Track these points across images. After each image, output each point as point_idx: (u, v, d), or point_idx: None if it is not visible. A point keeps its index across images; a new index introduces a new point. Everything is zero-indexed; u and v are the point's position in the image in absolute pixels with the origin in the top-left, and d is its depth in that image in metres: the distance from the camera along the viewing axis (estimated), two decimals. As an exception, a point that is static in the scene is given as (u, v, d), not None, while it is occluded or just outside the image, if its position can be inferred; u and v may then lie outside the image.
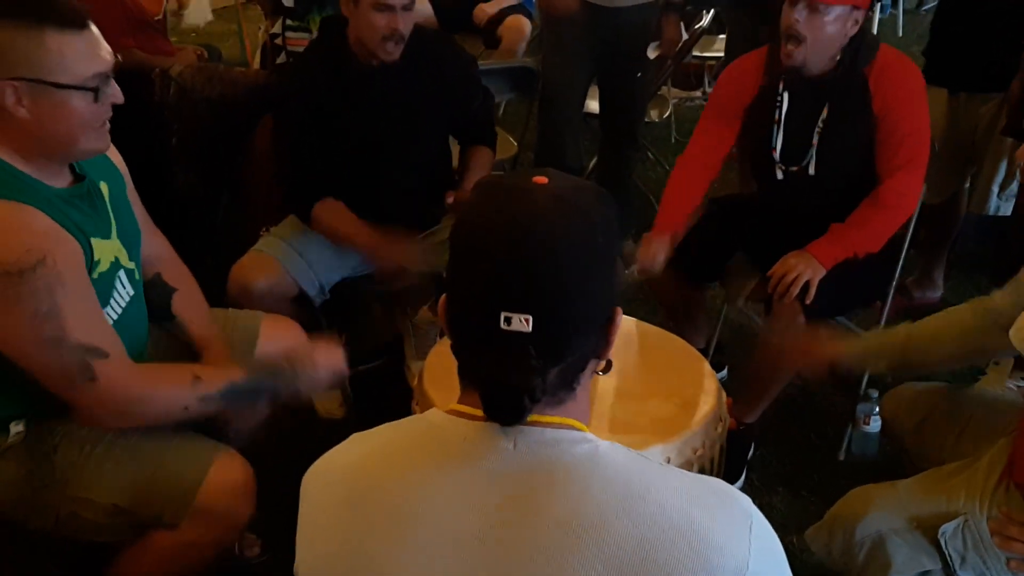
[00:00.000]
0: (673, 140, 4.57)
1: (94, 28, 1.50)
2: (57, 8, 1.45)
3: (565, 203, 0.90)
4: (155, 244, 1.89)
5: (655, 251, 2.41)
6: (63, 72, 1.45)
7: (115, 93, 1.53)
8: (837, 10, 2.18)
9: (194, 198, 3.10)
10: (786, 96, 2.36)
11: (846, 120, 2.32)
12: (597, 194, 0.95)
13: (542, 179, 0.93)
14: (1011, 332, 1.52)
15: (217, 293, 2.25)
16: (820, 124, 2.34)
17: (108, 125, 1.57)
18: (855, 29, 2.24)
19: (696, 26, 4.12)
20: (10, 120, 1.46)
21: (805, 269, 2.24)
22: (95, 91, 1.49)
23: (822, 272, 2.25)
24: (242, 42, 5.03)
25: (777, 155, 2.42)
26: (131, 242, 1.71)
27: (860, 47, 2.27)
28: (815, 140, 2.35)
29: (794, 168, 2.41)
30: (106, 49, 1.51)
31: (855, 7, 2.20)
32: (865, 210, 2.31)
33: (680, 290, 2.61)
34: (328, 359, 1.76)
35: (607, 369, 0.99)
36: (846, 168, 2.37)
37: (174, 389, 1.60)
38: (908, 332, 1.88)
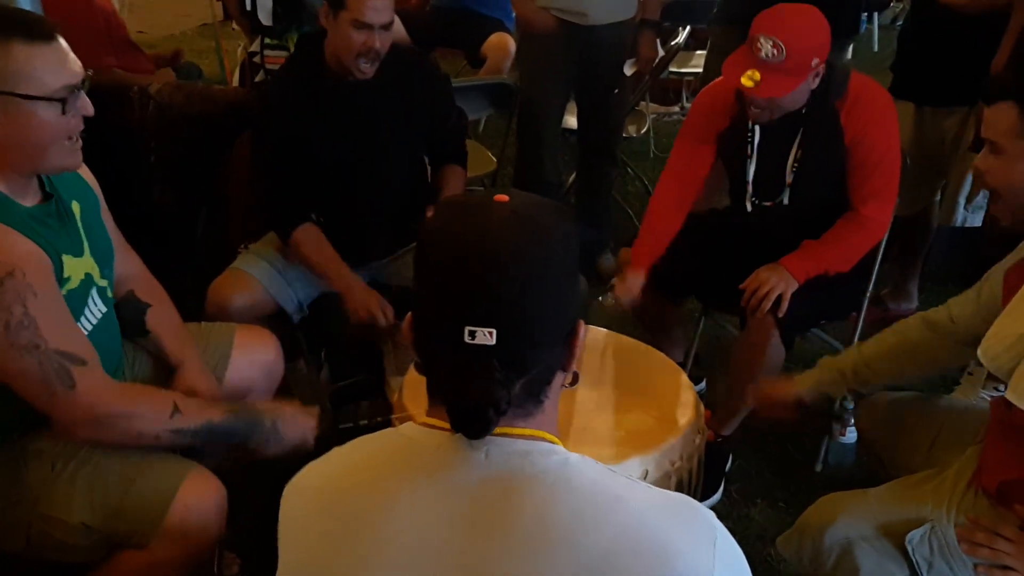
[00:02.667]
0: (651, 155, 4.61)
1: (62, 40, 1.50)
2: (25, 21, 1.46)
3: (523, 219, 0.93)
4: (128, 262, 1.89)
5: (631, 286, 2.43)
6: (30, 84, 1.45)
7: (84, 105, 1.53)
8: (794, 88, 2.19)
9: (172, 216, 3.10)
10: (757, 129, 2.38)
11: (819, 154, 2.33)
12: (556, 211, 0.98)
13: (503, 197, 0.96)
14: (979, 351, 1.55)
15: (195, 311, 2.25)
16: (795, 160, 2.35)
17: (80, 142, 1.57)
18: (817, 80, 2.24)
19: (672, 43, 4.16)
20: None
21: (778, 282, 2.27)
22: (62, 102, 1.49)
23: (795, 285, 2.27)
24: (221, 60, 5.03)
25: (750, 188, 2.44)
26: (104, 260, 1.72)
27: (830, 82, 2.28)
28: (789, 176, 2.37)
29: (768, 203, 2.43)
30: (74, 61, 1.52)
31: (812, 73, 2.20)
32: (838, 232, 2.34)
33: (657, 304, 2.63)
34: (302, 426, 1.77)
35: (574, 382, 1.01)
36: (819, 199, 2.39)
37: (153, 412, 1.60)
38: (858, 355, 1.92)
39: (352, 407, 2.29)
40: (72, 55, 1.52)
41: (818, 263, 2.30)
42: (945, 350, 1.78)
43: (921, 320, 1.84)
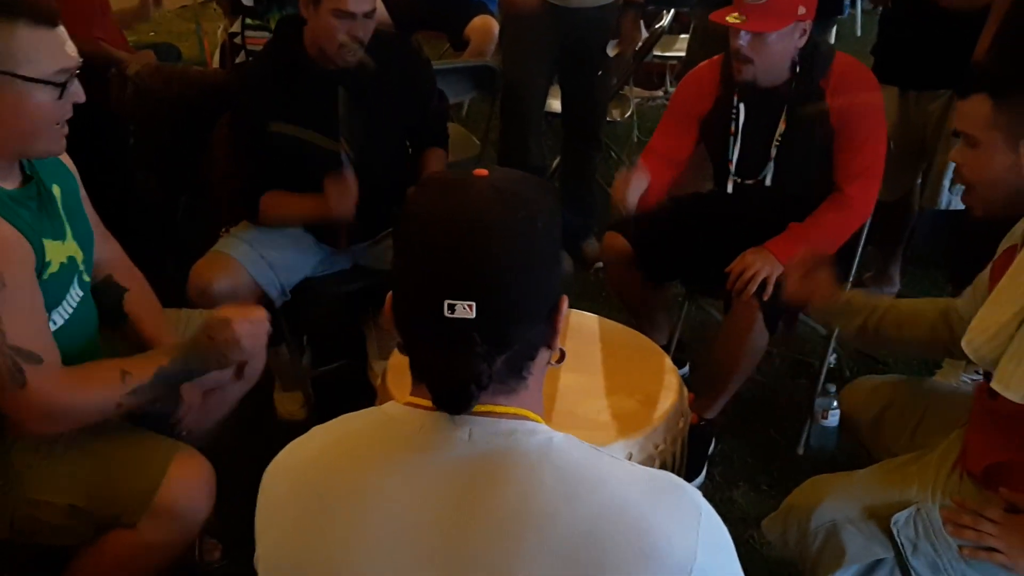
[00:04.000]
0: (635, 139, 4.60)
1: (62, 27, 1.51)
2: (31, 4, 1.47)
3: (503, 192, 0.93)
4: (105, 247, 1.87)
5: (632, 183, 2.30)
6: (31, 66, 1.46)
7: (76, 92, 1.54)
8: (780, 30, 2.20)
9: (153, 199, 3.07)
10: (742, 108, 2.38)
11: (804, 133, 2.33)
12: (537, 185, 0.97)
13: (482, 172, 0.95)
14: (963, 343, 1.55)
15: (177, 295, 2.23)
16: (778, 137, 2.36)
17: (66, 128, 1.57)
18: (803, 40, 2.26)
19: (656, 26, 4.15)
20: None
21: (763, 266, 2.27)
22: (61, 87, 1.50)
23: (780, 269, 2.27)
24: (200, 41, 4.97)
25: (733, 167, 2.44)
26: (86, 245, 1.70)
27: (814, 58, 2.29)
28: (773, 153, 2.38)
29: (750, 181, 2.43)
30: (72, 47, 1.53)
31: (798, 22, 2.22)
32: (823, 213, 2.34)
33: (641, 288, 2.63)
34: (247, 323, 1.70)
35: (561, 360, 1.01)
36: (803, 179, 2.39)
37: (103, 390, 1.57)
38: (892, 303, 1.90)
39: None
40: (70, 41, 1.53)
41: (803, 246, 2.30)
42: (951, 341, 1.76)
43: (945, 305, 1.83)
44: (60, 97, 1.50)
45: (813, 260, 1.95)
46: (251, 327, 1.69)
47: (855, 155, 2.31)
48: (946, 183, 2.92)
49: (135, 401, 1.59)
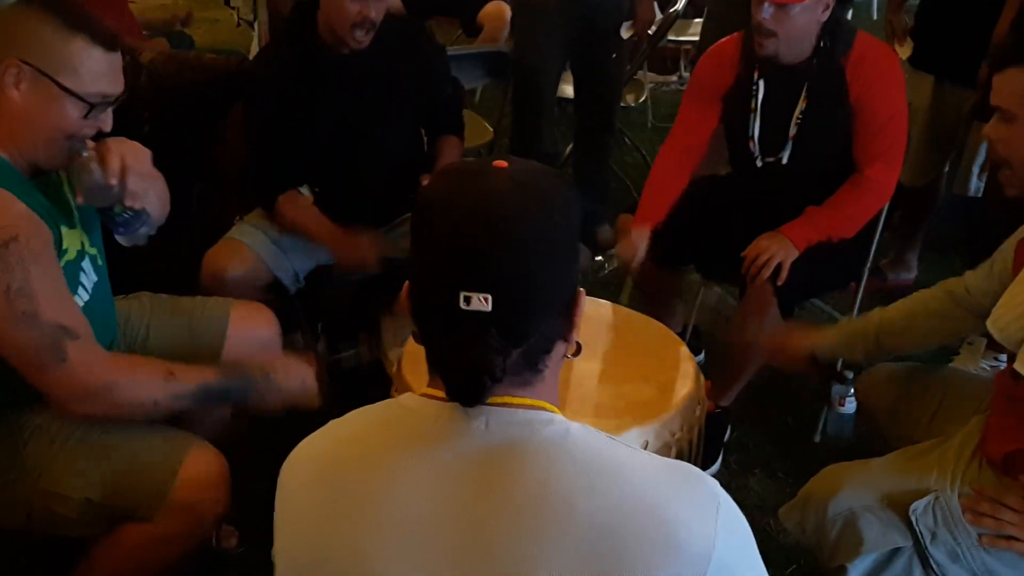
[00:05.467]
0: (650, 125, 4.57)
1: (119, 55, 1.55)
2: (95, 24, 1.52)
3: (522, 184, 0.92)
4: None
5: (635, 243, 2.38)
6: (72, 78, 1.50)
7: (105, 120, 1.57)
8: (804, 3, 2.17)
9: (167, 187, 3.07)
10: (762, 84, 2.36)
11: (823, 111, 2.31)
12: (556, 177, 0.96)
13: (502, 163, 0.94)
14: (988, 322, 1.53)
15: (190, 282, 2.23)
16: (798, 115, 2.33)
17: (75, 146, 1.58)
18: (826, 15, 2.23)
19: (671, 10, 4.12)
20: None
21: (778, 251, 2.25)
22: (91, 107, 1.52)
23: (795, 254, 2.25)
24: (258, 34, 4.87)
25: (755, 145, 2.42)
26: (90, 228, 1.71)
27: (836, 36, 2.26)
28: (792, 131, 2.35)
29: (771, 158, 2.41)
30: (120, 79, 1.56)
31: None
32: (842, 195, 2.32)
33: (656, 274, 2.61)
34: (300, 375, 1.76)
35: (577, 352, 1.00)
36: (823, 157, 2.37)
37: (146, 380, 1.58)
38: (880, 319, 1.89)
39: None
40: (121, 73, 1.56)
41: (820, 230, 2.28)
42: (962, 319, 1.76)
43: (942, 290, 1.82)
44: (86, 116, 1.52)
45: (777, 319, 2.00)
46: (303, 382, 1.74)
47: (876, 136, 2.28)
48: (975, 170, 2.89)
49: (172, 406, 1.60)
